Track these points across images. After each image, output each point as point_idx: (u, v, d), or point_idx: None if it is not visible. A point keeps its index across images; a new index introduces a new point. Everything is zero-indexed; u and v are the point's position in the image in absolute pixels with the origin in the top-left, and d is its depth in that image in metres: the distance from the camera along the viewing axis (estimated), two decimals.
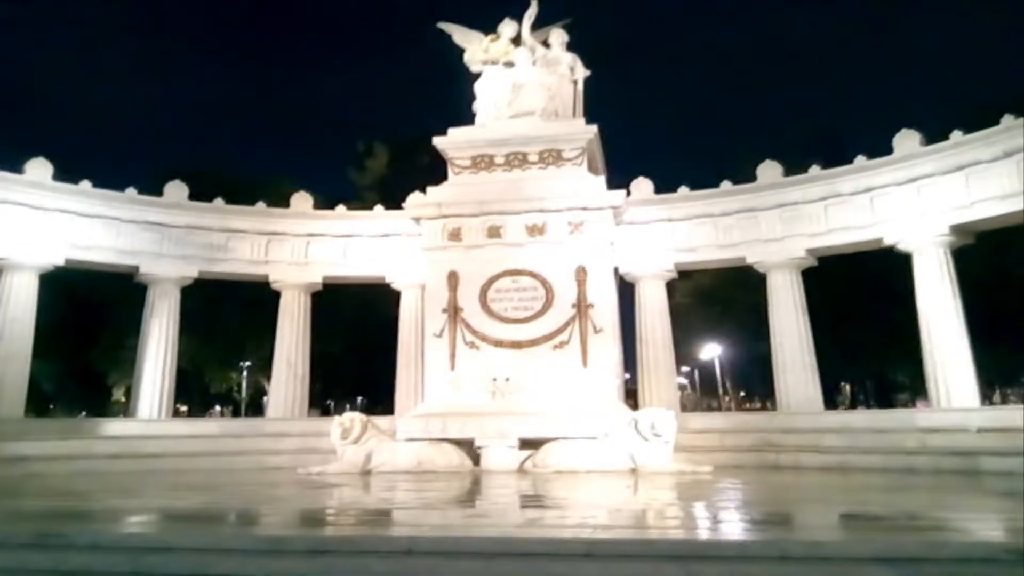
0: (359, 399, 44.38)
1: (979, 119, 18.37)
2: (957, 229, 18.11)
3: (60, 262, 20.60)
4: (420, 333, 20.43)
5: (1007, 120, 17.18)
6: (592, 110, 21.07)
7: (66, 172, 20.93)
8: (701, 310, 35.64)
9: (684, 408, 19.25)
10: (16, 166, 20.26)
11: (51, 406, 43.98)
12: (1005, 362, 30.37)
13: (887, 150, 19.12)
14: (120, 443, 19.15)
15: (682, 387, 22.37)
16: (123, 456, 18.22)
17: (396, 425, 17.82)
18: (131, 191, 21.80)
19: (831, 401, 19.98)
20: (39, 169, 20.43)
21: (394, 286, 22.93)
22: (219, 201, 22.86)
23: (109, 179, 21.67)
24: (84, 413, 38.13)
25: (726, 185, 21.11)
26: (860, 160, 19.49)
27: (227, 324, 33.35)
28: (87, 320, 35.72)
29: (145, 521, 9.14)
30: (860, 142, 19.67)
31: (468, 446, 16.69)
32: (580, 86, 21.28)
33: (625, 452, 15.46)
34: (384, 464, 16.23)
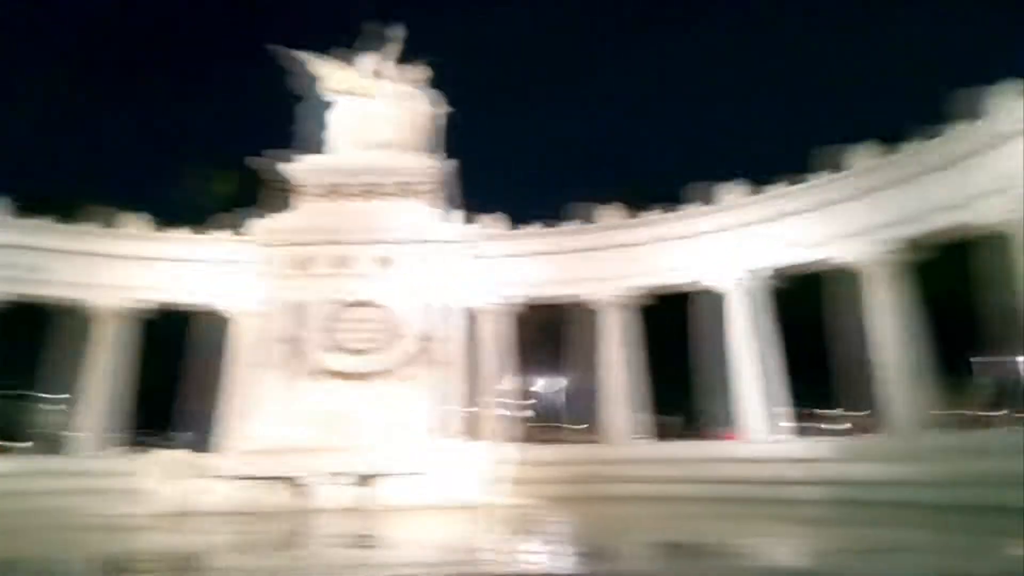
0: (186, 434, 41.48)
1: (795, 174, 20.28)
2: (768, 272, 19.70)
3: None
4: (254, 364, 19.44)
5: (815, 177, 18.99)
6: (449, 145, 21.35)
7: None
8: (542, 343, 36.54)
9: (521, 441, 19.50)
10: None
11: None
12: (808, 397, 33.14)
13: (713, 199, 20.62)
14: None
15: (522, 419, 22.76)
16: None
17: (218, 463, 16.71)
18: None
19: (653, 432, 21.05)
20: None
21: (229, 314, 21.78)
22: (42, 220, 20.98)
23: None
24: None
25: (571, 225, 21.97)
26: (689, 207, 20.93)
27: (32, 352, 30.28)
28: None
29: None
30: (690, 190, 21.13)
31: (298, 484, 16.01)
32: (438, 122, 21.49)
33: (458, 487, 15.39)
34: (204, 505, 15.14)
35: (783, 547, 9.05)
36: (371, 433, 16.77)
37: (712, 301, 20.87)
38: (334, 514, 14.26)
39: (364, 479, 15.76)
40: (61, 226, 21.34)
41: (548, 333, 35.75)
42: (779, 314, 20.11)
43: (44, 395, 35.63)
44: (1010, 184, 14.82)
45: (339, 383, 17.67)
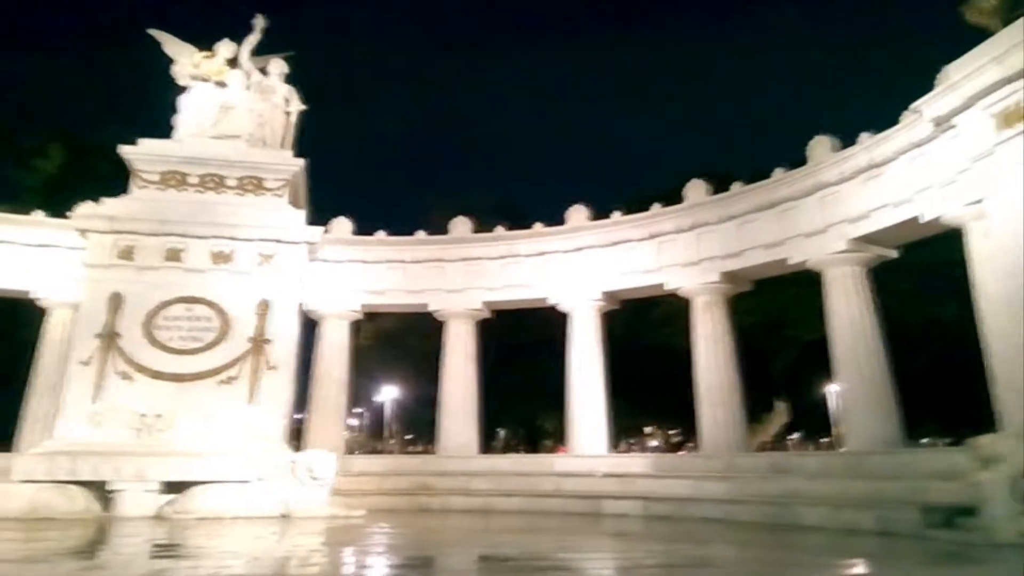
0: None
1: (634, 203, 21.45)
2: (608, 295, 20.66)
3: None
4: (64, 359, 18.01)
5: (654, 208, 20.16)
6: (301, 144, 20.86)
7: None
8: (381, 353, 36.27)
9: (350, 450, 19.29)
10: None
11: None
12: (631, 415, 35.13)
13: (560, 221, 21.40)
14: None
15: (352, 428, 22.28)
16: None
17: (12, 464, 15.30)
18: None
19: (488, 446, 21.44)
20: None
21: (42, 303, 19.97)
22: None
23: None
24: None
25: (419, 235, 21.99)
26: (537, 226, 21.58)
27: None
28: None
29: None
30: (539, 210, 21.94)
31: (101, 489, 14.98)
32: (293, 119, 20.97)
33: (278, 496, 14.99)
34: None
35: (595, 560, 9.49)
36: (191, 437, 16.01)
37: (558, 319, 21.57)
38: (139, 522, 13.46)
39: (175, 486, 15.00)
40: None
41: (389, 343, 35.62)
42: (620, 336, 21.03)
43: None
44: (825, 227, 16.33)
45: (157, 383, 16.76)
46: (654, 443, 50.34)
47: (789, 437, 43.18)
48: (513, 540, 11.39)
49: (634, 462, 19.22)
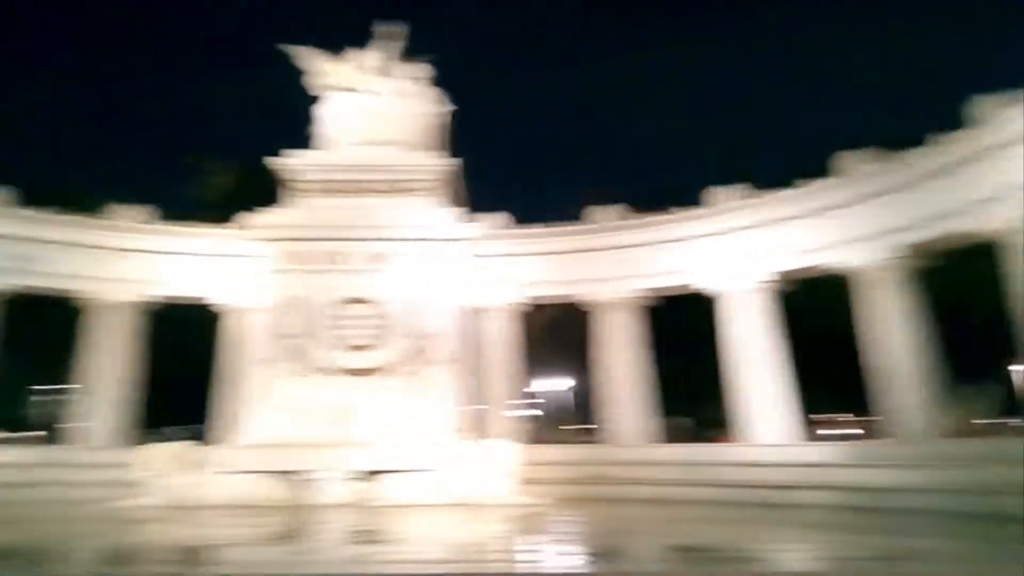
0: (188, 427, 41.26)
1: (795, 177, 20.27)
2: (773, 277, 19.64)
3: None
4: (251, 359, 19.30)
5: (819, 182, 18.96)
6: (452, 144, 21.22)
7: None
8: (547, 343, 36.38)
9: (527, 440, 19.33)
10: None
11: None
12: (818, 401, 33.15)
13: (712, 202, 20.59)
14: None
15: (527, 419, 22.61)
16: None
17: (218, 456, 16.61)
18: None
19: (665, 435, 21.01)
20: None
21: (227, 308, 21.63)
22: (34, 211, 20.69)
23: None
24: None
25: (570, 225, 21.87)
26: (688, 210, 20.88)
27: (37, 343, 30.11)
28: None
29: None
30: (691, 192, 21.17)
31: (299, 479, 15.88)
32: (441, 119, 21.38)
33: (464, 485, 15.29)
34: (207, 498, 15.05)
35: (793, 552, 8.92)
36: (373, 429, 16.63)
37: (717, 304, 20.81)
38: (337, 510, 14.11)
39: (367, 475, 15.62)
40: (64, 218, 21.10)
41: (554, 333, 35.71)
42: (788, 319, 20.05)
43: (52, 387, 35.50)
44: (1009, 192, 14.81)
45: (340, 379, 17.51)
46: (838, 431, 47.61)
47: (1006, 420, 38.67)
48: (700, 530, 10.99)
49: (818, 450, 18.14)
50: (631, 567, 7.55)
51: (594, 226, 21.62)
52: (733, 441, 20.35)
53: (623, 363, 20.66)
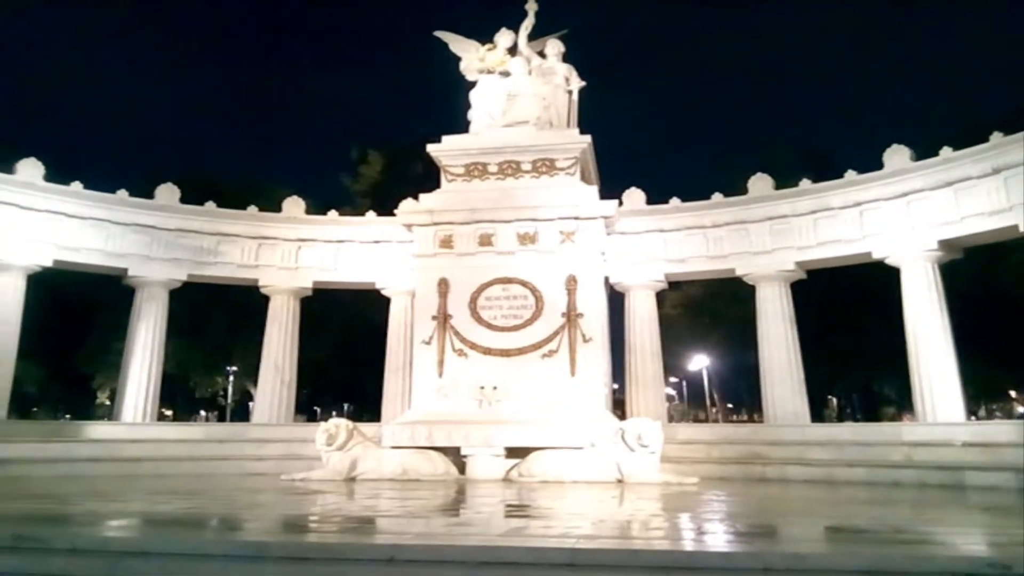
0: (347, 405, 44.25)
1: (968, 136, 18.56)
2: (945, 244, 18.22)
3: (48, 263, 20.48)
4: (409, 340, 20.41)
5: (995, 138, 17.30)
6: (586, 120, 21.20)
7: (58, 173, 20.86)
8: (690, 321, 35.64)
9: (671, 419, 19.20)
10: (7, 166, 20.15)
11: (35, 408, 43.53)
12: (990, 377, 30.52)
13: (877, 165, 19.24)
14: (103, 446, 18.92)
15: (670, 398, 22.16)
16: (105, 459, 17.98)
17: (382, 432, 17.73)
18: (122, 193, 21.68)
19: (818, 414, 20.07)
20: (30, 169, 20.35)
21: (384, 292, 22.89)
22: (210, 204, 22.74)
23: (100, 181, 21.65)
24: (68, 416, 37.72)
25: (717, 197, 21.17)
26: (850, 175, 19.58)
27: (215, 328, 33.24)
28: (73, 322, 35.45)
29: (124, 525, 9.02)
30: (850, 157, 19.90)
31: (454, 454, 16.65)
32: (575, 96, 21.38)
33: (611, 463, 15.41)
34: (368, 471, 16.16)
35: (967, 536, 8.31)
36: (523, 407, 17.09)
37: (885, 275, 19.54)
38: (490, 484, 14.64)
39: (515, 451, 16.11)
40: (240, 212, 23.00)
41: (696, 310, 35.01)
42: (966, 289, 18.51)
43: (229, 368, 39.37)
44: None
45: (488, 359, 18.12)
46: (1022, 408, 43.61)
47: None
48: (863, 511, 10.44)
49: (1000, 429, 16.73)
50: (789, 547, 7.33)
51: (745, 197, 20.81)
52: (900, 419, 19.16)
53: (777, 339, 19.87)
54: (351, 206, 31.44)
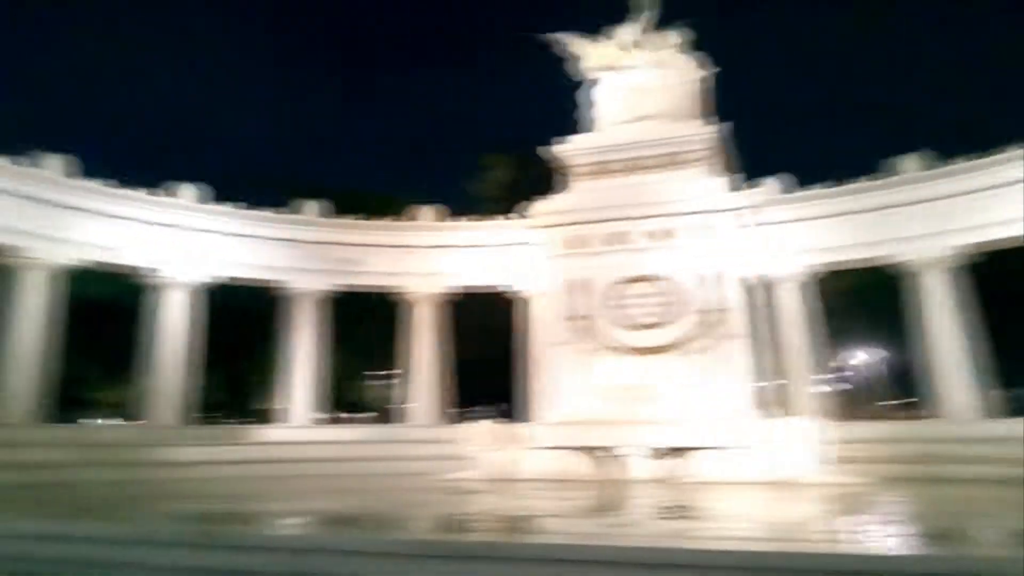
0: (494, 407, 45.06)
1: None
2: None
3: (209, 279, 22.21)
4: (547, 341, 20.49)
5: None
6: (716, 109, 20.52)
7: (213, 196, 22.56)
8: (844, 312, 33.77)
9: (836, 416, 18.17)
10: (166, 190, 21.97)
11: (210, 414, 46.93)
12: None
13: None
14: (273, 449, 20.40)
15: (828, 394, 20.92)
16: (276, 461, 19.24)
17: (530, 433, 17.85)
18: (269, 211, 23.17)
19: (1000, 408, 18.46)
20: (189, 192, 22.11)
21: (520, 294, 23.20)
22: (351, 218, 23.87)
23: (244, 200, 23.28)
24: (244, 421, 40.47)
25: (864, 181, 19.98)
26: (1017, 149, 17.93)
27: (365, 334, 34.88)
28: (236, 333, 38.02)
29: (302, 523, 9.57)
30: (1014, 128, 18.11)
31: (603, 455, 16.51)
32: (702, 86, 20.78)
33: (771, 463, 14.80)
34: (521, 472, 16.33)
35: None
36: (670, 406, 16.75)
37: None
38: (643, 485, 14.41)
39: (672, 452, 15.81)
40: (376, 222, 24.07)
41: (850, 301, 33.10)
42: None
43: (378, 372, 41.29)
44: None
45: (629, 358, 17.84)
46: None
47: None
48: None
49: None
50: (975, 551, 6.79)
51: (895, 179, 19.50)
52: None
53: (945, 329, 18.48)
54: (480, 211, 32.07)
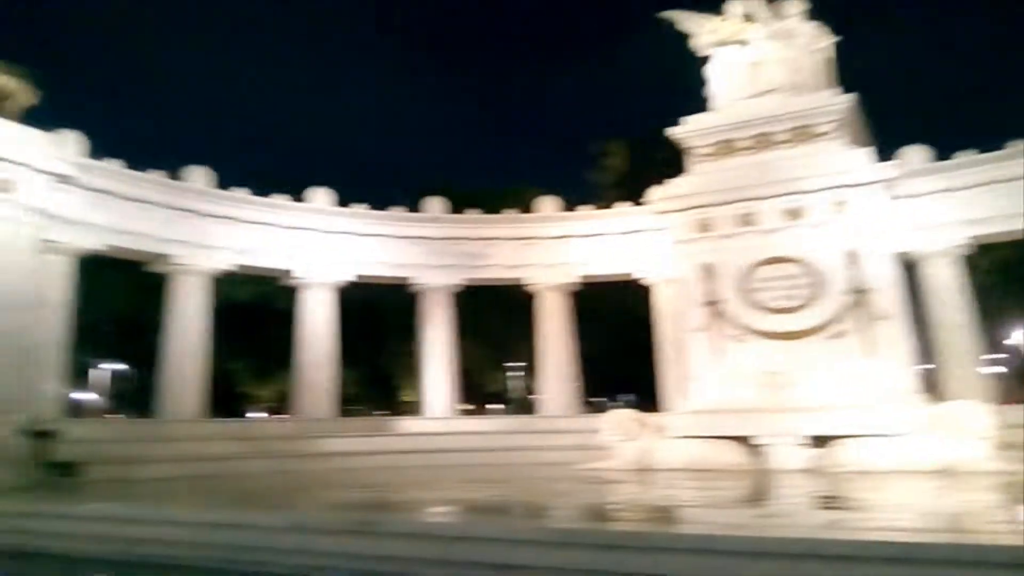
0: (625, 396, 44.96)
1: None
2: None
3: (349, 278, 23.26)
4: (679, 328, 20.16)
5: None
6: (846, 78, 19.46)
7: (341, 199, 23.60)
8: (1007, 287, 31.17)
9: (990, 400, 16.85)
10: (298, 195, 23.16)
11: (352, 407, 49.35)
12: None
13: None
14: (413, 439, 21.15)
15: (986, 376, 19.13)
16: (416, 451, 19.96)
17: (667, 422, 17.63)
18: (396, 210, 24.03)
19: None
20: (322, 196, 23.25)
21: (646, 282, 22.90)
22: (473, 212, 24.34)
23: (369, 200, 24.13)
24: (380, 413, 42.39)
25: (1017, 144, 18.36)
26: None
27: (494, 327, 35.62)
28: (372, 328, 39.76)
29: (448, 512, 9.91)
30: None
31: (747, 444, 16.05)
32: (826, 54, 19.76)
33: (930, 450, 13.95)
34: (660, 461, 16.17)
35: None
36: (811, 393, 16.10)
37: None
38: (791, 475, 13.96)
39: (818, 440, 15.23)
40: (492, 216, 24.45)
41: (1010, 276, 30.52)
42: None
43: (510, 364, 42.27)
44: None
45: (767, 343, 17.29)
46: None
47: None
48: None
49: None
50: None
51: None
52: None
53: None
54: (599, 200, 31.91)
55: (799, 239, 17.71)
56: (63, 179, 17.98)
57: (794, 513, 8.72)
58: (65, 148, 18.11)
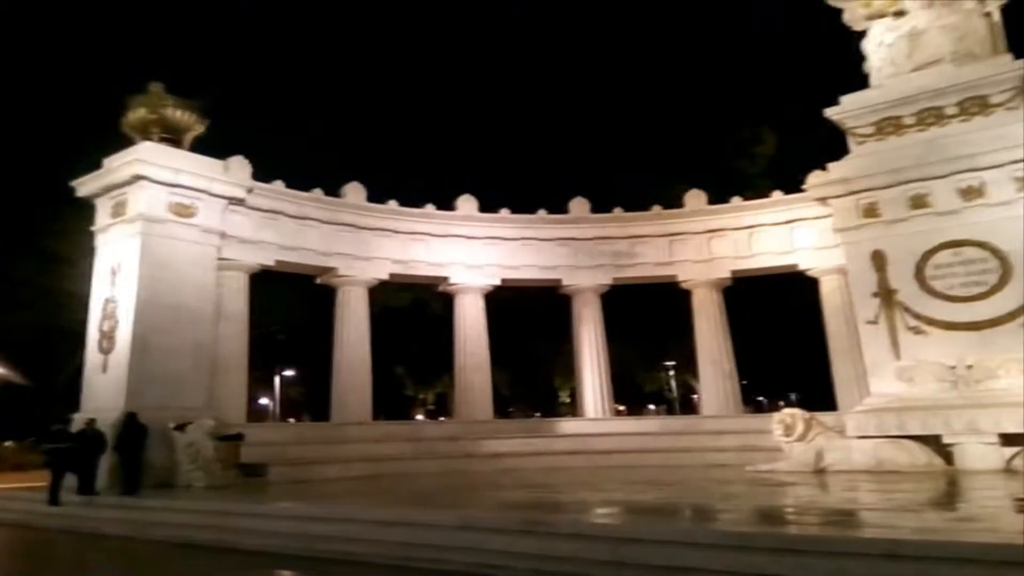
0: (792, 394, 43.20)
1: None
2: None
3: (498, 282, 23.72)
4: (849, 321, 19.05)
5: None
6: (1015, 43, 17.66)
7: (482, 205, 24.05)
8: None
9: None
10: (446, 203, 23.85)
11: (509, 408, 50.46)
12: None
13: None
14: (573, 440, 21.29)
15: None
16: (577, 452, 20.12)
17: (842, 421, 16.69)
18: (542, 212, 24.23)
19: None
20: (467, 204, 23.83)
21: (809, 273, 21.70)
22: (618, 210, 24.12)
23: (508, 204, 24.25)
24: (538, 414, 43.08)
25: None
26: None
27: (647, 326, 35.22)
28: (522, 331, 40.42)
29: (615, 513, 9.93)
30: None
31: (934, 443, 15.02)
32: (996, 17, 18.04)
33: None
34: (837, 463, 15.41)
35: None
36: (1006, 387, 14.76)
37: None
38: (987, 476, 12.93)
39: (1014, 438, 13.96)
40: (636, 213, 23.96)
41: None
42: None
43: (665, 363, 41.67)
44: None
45: (951, 334, 16.07)
46: None
47: None
48: None
49: None
50: None
51: None
52: None
53: None
54: (750, 189, 30.66)
55: (979, 220, 16.48)
56: (236, 201, 19.53)
57: (996, 517, 8.04)
58: (236, 173, 19.64)
